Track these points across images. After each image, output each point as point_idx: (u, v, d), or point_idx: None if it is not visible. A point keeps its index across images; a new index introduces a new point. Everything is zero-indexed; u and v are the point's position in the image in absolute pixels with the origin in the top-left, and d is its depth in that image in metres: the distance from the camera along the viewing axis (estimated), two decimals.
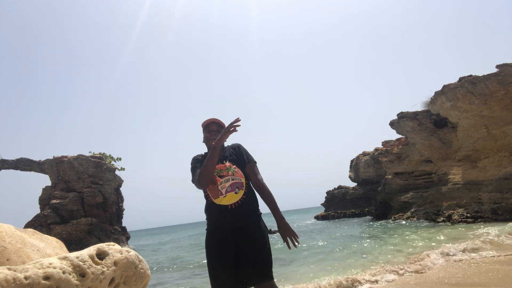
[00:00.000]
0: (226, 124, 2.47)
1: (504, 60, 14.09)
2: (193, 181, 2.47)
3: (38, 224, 19.78)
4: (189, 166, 2.56)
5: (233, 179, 2.42)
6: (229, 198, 2.36)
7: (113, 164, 23.86)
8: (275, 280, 2.30)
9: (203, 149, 2.73)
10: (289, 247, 2.35)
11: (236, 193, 2.38)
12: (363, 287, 5.44)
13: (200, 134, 2.74)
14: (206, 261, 2.43)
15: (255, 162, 2.61)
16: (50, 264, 1.33)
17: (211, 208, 2.43)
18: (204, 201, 2.54)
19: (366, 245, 10.62)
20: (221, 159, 2.51)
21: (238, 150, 2.64)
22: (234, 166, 2.48)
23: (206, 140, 2.62)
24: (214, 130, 2.59)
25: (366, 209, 28.42)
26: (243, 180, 2.45)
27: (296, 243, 2.35)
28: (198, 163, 2.51)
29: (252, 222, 2.40)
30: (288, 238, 2.34)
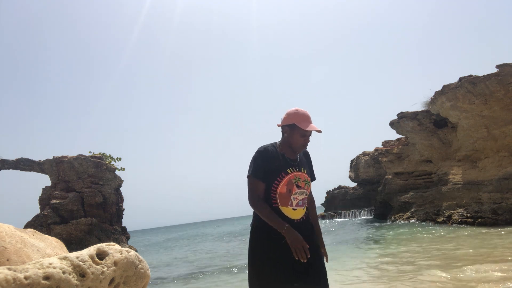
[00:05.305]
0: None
1: (504, 60, 14.06)
2: (250, 189, 2.23)
3: (38, 224, 19.76)
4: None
5: (306, 194, 2.29)
6: (298, 213, 2.25)
7: (113, 164, 23.84)
8: None
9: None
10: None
11: (303, 208, 2.29)
12: None
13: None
14: (252, 261, 2.22)
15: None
16: (50, 264, 1.32)
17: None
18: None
19: None
20: (298, 164, 2.31)
21: (309, 161, 2.50)
22: (309, 179, 2.37)
23: (297, 141, 2.27)
24: (309, 137, 2.33)
25: (366, 209, 28.42)
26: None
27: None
28: (262, 161, 2.23)
29: (315, 236, 2.34)
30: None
